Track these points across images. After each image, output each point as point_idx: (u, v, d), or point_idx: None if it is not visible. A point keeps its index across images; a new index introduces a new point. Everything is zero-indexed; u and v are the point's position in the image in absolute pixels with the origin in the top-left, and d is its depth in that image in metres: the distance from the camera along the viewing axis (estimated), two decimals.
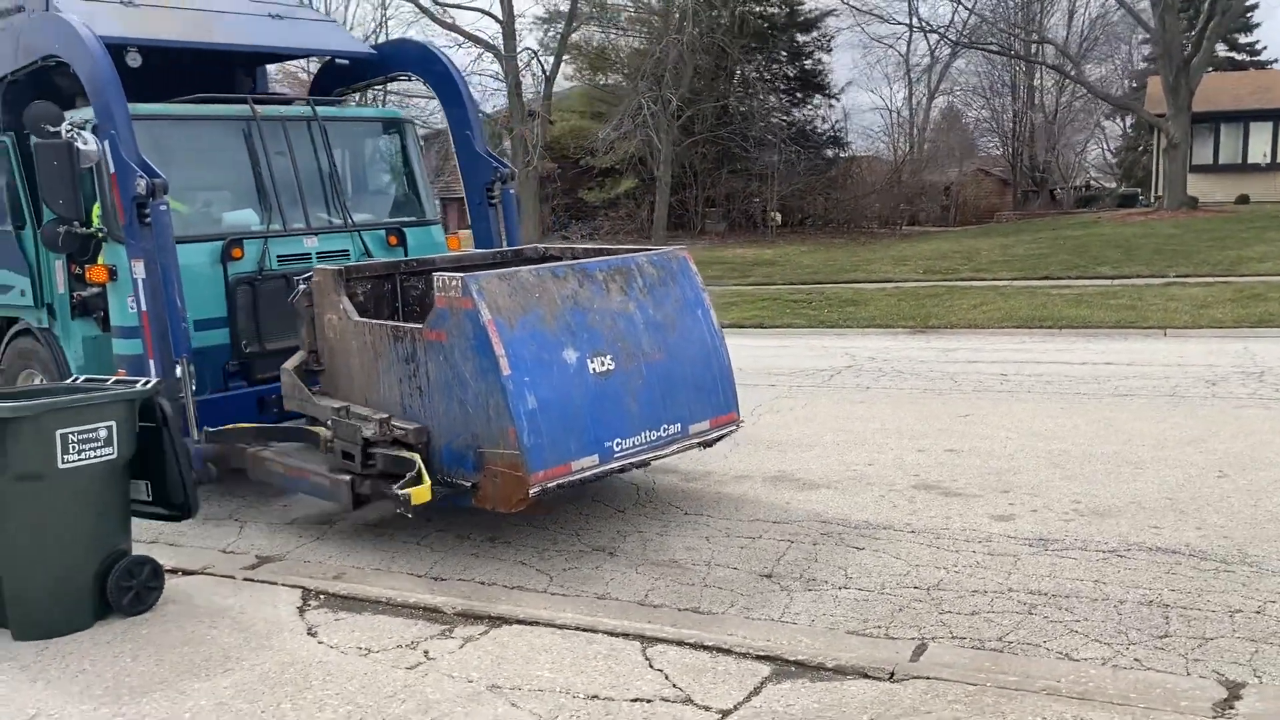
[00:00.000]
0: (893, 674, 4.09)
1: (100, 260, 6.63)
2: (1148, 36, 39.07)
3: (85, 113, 6.57)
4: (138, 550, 5.46)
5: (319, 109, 7.91)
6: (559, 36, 31.09)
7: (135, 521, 5.25)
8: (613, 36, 36.34)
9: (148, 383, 5.07)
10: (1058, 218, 36.38)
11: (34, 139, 6.44)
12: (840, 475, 7.06)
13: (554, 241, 34.48)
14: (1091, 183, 52.63)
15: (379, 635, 4.64)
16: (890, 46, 44.16)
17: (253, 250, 7.11)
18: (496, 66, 30.08)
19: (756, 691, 3.98)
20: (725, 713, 3.82)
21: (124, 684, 4.16)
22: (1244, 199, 31.25)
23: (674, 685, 4.03)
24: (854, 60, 75.64)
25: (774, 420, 8.84)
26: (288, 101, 8.48)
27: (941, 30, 40.44)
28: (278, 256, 7.22)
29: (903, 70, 46.94)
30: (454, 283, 5.30)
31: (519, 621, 4.74)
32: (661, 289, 6.10)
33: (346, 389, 6.13)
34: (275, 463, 6.25)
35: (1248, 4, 43.55)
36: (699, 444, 6.19)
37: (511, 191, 8.42)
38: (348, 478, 5.74)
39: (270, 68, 10.21)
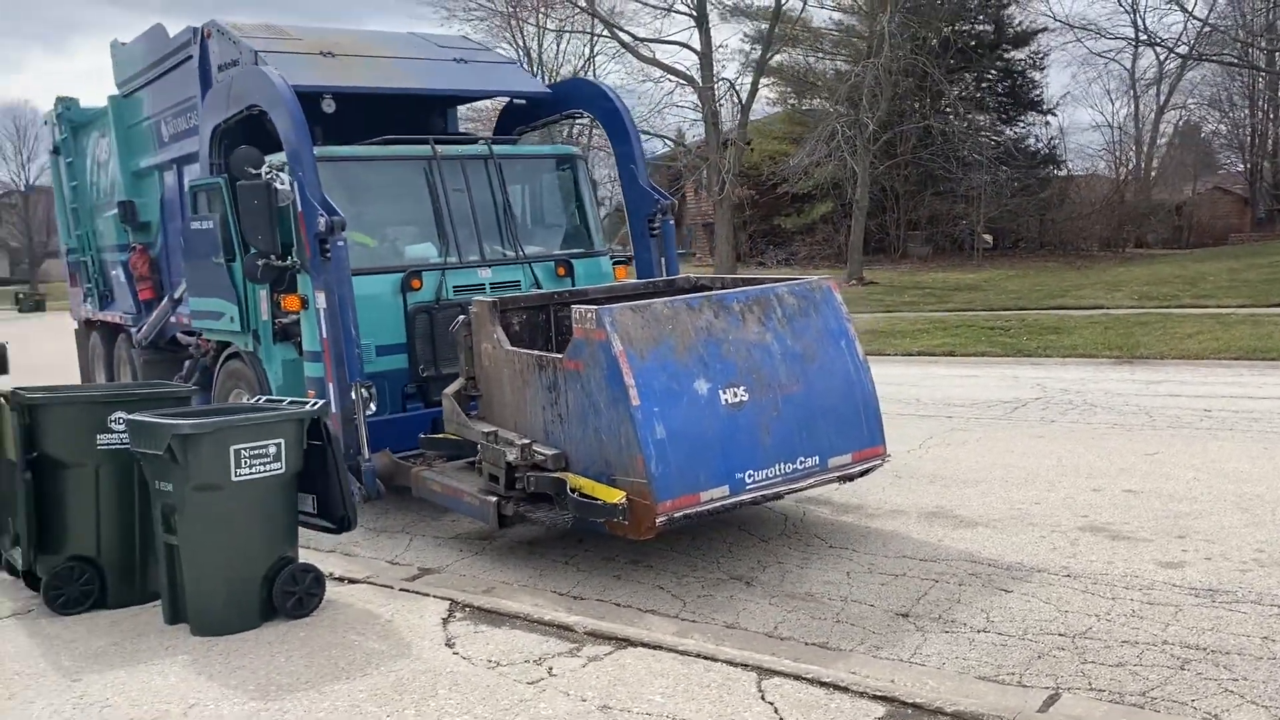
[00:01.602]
0: None
1: (295, 290, 7.24)
2: None
3: (282, 156, 7.19)
4: (316, 558, 5.95)
5: (495, 147, 8.37)
6: (756, 64, 31.22)
7: (316, 531, 5.70)
8: (814, 60, 36.20)
9: (315, 404, 5.50)
10: None
11: (238, 180, 7.13)
12: (1002, 514, 6.78)
13: (750, 268, 34.56)
14: None
15: (511, 649, 4.83)
16: (1113, 60, 41.83)
17: (431, 281, 7.60)
18: (695, 97, 30.52)
19: None
20: None
21: (273, 682, 4.52)
22: None
23: (781, 719, 4.01)
24: (1072, 75, 71.95)
25: (941, 453, 8.57)
26: (470, 141, 9.00)
27: (1170, 43, 37.98)
28: (454, 287, 7.67)
29: (1127, 85, 44.27)
30: (589, 314, 5.49)
31: (643, 645, 4.82)
32: (802, 319, 6.07)
33: (499, 414, 6.42)
34: (434, 482, 6.62)
35: None
36: (839, 478, 6.10)
37: (671, 222, 8.63)
38: (494, 499, 6.01)
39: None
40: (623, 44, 31.74)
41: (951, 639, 4.88)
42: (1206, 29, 36.67)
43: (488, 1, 34.60)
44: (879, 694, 4.20)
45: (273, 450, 5.18)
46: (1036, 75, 39.49)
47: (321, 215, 6.72)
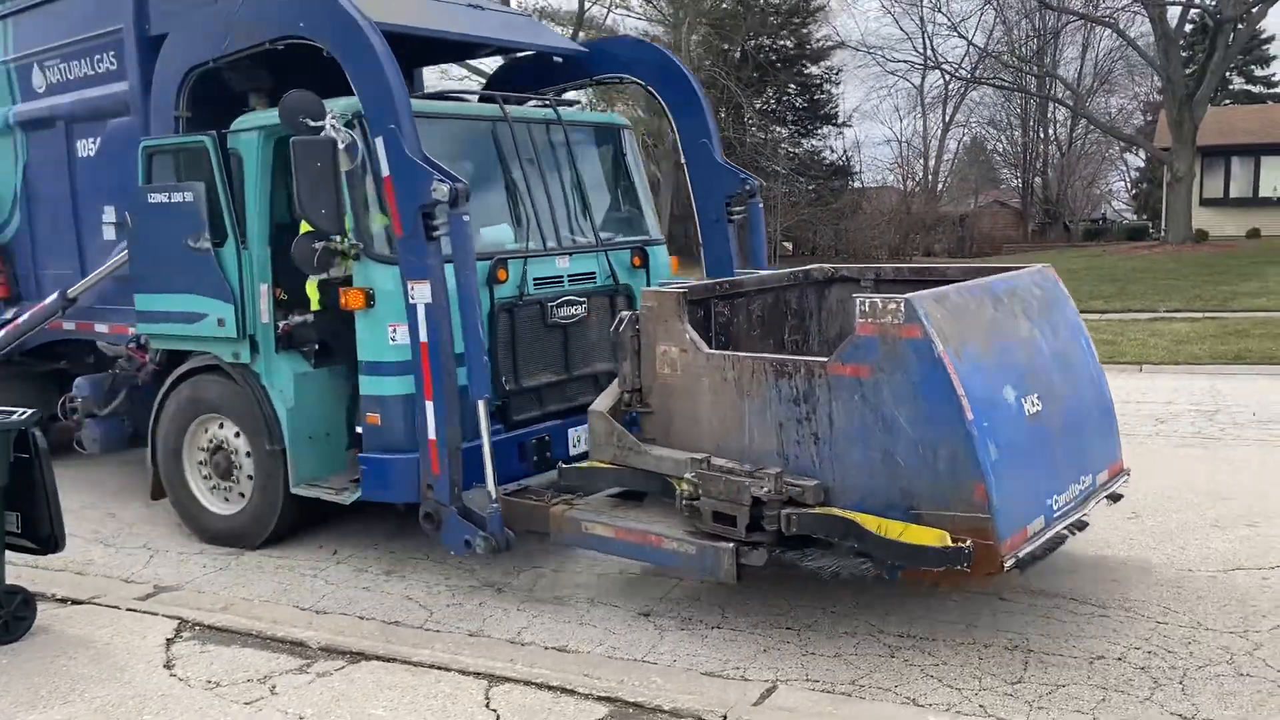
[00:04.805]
0: (725, 717, 4.04)
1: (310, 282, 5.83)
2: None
3: (344, 103, 5.58)
4: (44, 576, 5.56)
5: (561, 112, 6.92)
6: None
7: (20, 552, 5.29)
8: None
9: (24, 414, 5.11)
10: (1065, 250, 36.20)
11: (292, 137, 5.36)
12: None
13: None
14: (1107, 215, 52.36)
15: (235, 668, 4.64)
16: (902, 78, 44.26)
17: (513, 272, 6.18)
18: None
19: None
20: None
21: None
22: (1255, 233, 31.00)
23: None
24: (865, 93, 75.93)
25: None
26: (522, 101, 7.22)
27: (952, 67, 40.56)
28: (534, 279, 6.29)
29: (915, 103, 46.94)
30: (891, 305, 4.36)
31: (377, 658, 4.73)
32: (1054, 313, 5.22)
33: (687, 435, 5.12)
34: (599, 524, 5.21)
35: (1263, 37, 43.40)
36: (1107, 498, 5.25)
37: (759, 205, 7.43)
38: (730, 545, 4.71)
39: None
40: None
41: (686, 636, 5.00)
42: (984, 55, 39.44)
43: None
44: (604, 695, 4.27)
45: None
46: (833, 90, 41.32)
47: (439, 180, 5.17)
